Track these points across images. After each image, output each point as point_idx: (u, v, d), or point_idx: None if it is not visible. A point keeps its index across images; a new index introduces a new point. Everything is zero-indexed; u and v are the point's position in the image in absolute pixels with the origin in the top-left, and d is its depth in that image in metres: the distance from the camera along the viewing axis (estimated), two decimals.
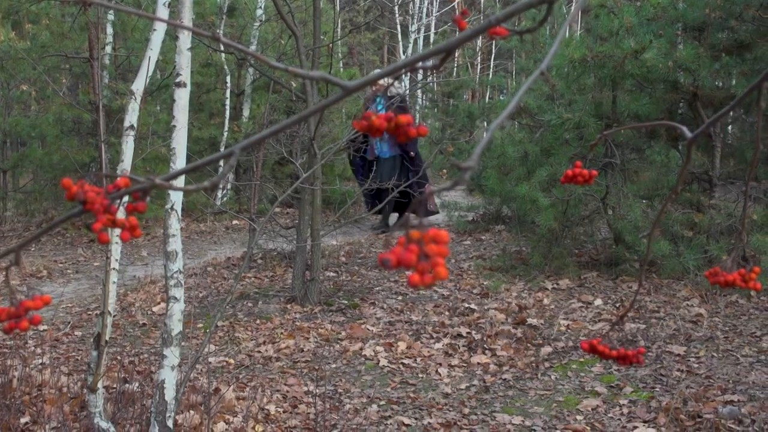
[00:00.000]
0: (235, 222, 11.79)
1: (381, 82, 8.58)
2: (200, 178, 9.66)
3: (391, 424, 4.37)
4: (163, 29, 3.42)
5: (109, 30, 12.16)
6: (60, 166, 13.03)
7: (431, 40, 22.76)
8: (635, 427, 4.08)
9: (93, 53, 11.14)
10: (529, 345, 5.51)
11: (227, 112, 12.32)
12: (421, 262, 0.62)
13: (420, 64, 0.83)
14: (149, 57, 3.33)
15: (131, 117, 3.30)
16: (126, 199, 0.84)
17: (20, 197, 14.41)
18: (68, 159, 12.60)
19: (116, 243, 3.35)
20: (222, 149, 11.95)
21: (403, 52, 21.66)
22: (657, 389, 4.57)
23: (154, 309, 6.91)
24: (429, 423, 4.34)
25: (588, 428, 4.13)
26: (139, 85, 3.30)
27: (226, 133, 12.16)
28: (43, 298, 0.89)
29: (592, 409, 4.39)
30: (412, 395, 4.78)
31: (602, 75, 6.82)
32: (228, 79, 12.30)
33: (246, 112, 12.73)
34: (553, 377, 4.94)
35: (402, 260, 0.61)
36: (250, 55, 0.74)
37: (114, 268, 3.31)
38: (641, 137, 7.31)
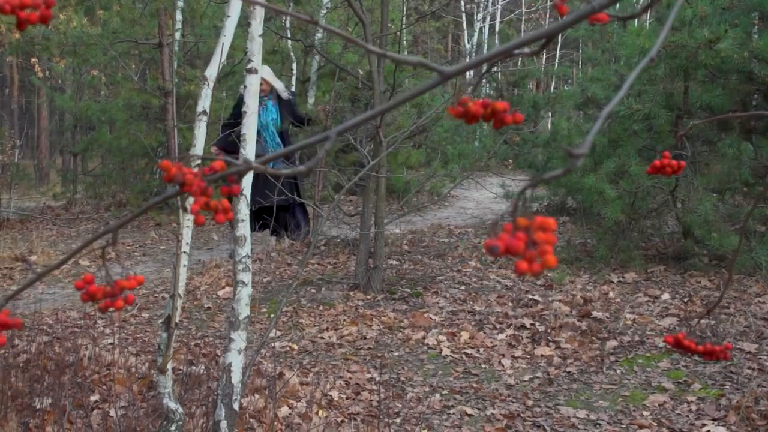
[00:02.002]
0: None
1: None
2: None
3: (453, 413, 4.36)
4: (236, 15, 3.44)
5: (179, 16, 12.31)
6: (128, 150, 13.26)
7: (496, 29, 22.59)
8: (704, 425, 4.01)
9: (163, 39, 11.34)
10: (594, 338, 5.45)
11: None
12: (528, 249, 0.60)
13: (517, 51, 0.82)
14: (222, 43, 3.35)
15: (204, 102, 3.34)
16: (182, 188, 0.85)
17: (89, 180, 14.71)
18: (137, 143, 12.81)
19: (187, 227, 3.40)
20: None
21: (468, 41, 21.53)
22: (727, 387, 4.48)
23: (219, 293, 7.00)
24: (492, 414, 4.33)
25: (655, 424, 4.07)
26: (212, 71, 3.33)
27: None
28: (137, 278, 0.90)
29: (659, 405, 4.32)
30: (474, 385, 4.76)
31: (674, 65, 6.69)
32: (294, 66, 12.37)
33: (311, 100, 12.78)
34: (618, 371, 4.88)
35: (510, 247, 0.60)
36: (354, 43, 0.74)
37: (185, 252, 3.36)
38: (712, 129, 7.16)
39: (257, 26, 3.61)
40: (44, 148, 25.79)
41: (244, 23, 3.97)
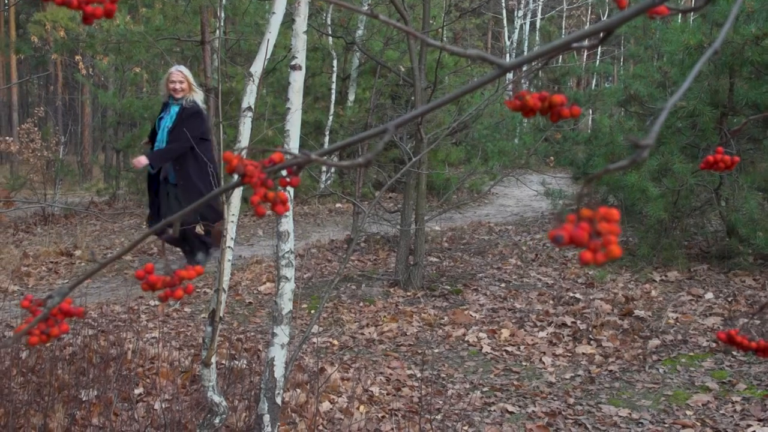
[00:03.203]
0: (338, 205, 11.92)
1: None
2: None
3: (494, 410, 4.35)
4: (281, 12, 3.46)
5: (221, 14, 12.40)
6: None
7: (537, 26, 22.45)
8: (749, 426, 3.96)
9: (205, 36, 11.43)
10: (636, 337, 5.40)
11: (333, 96, 12.44)
12: (592, 239, 0.61)
13: (576, 44, 0.82)
14: (267, 39, 3.38)
15: (249, 98, 3.36)
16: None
17: (131, 176, 14.87)
18: None
19: (231, 222, 3.43)
20: (327, 133, 12.09)
21: (508, 38, 21.42)
22: None
23: (260, 288, 7.05)
24: (533, 411, 4.31)
25: (698, 424, 4.03)
26: (257, 67, 3.36)
27: (331, 117, 12.28)
28: (196, 269, 0.91)
29: (703, 405, 4.27)
30: (515, 383, 4.75)
31: (719, 62, 6.60)
32: (334, 63, 12.40)
33: (351, 97, 12.83)
34: (661, 370, 4.84)
35: (574, 238, 0.60)
36: (414, 36, 0.74)
37: (229, 247, 3.39)
38: (758, 126, 7.06)
39: (301, 23, 3.63)
40: (87, 144, 26.14)
41: (287, 20, 3.99)
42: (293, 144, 3.62)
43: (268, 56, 3.41)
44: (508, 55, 20.67)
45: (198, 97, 6.86)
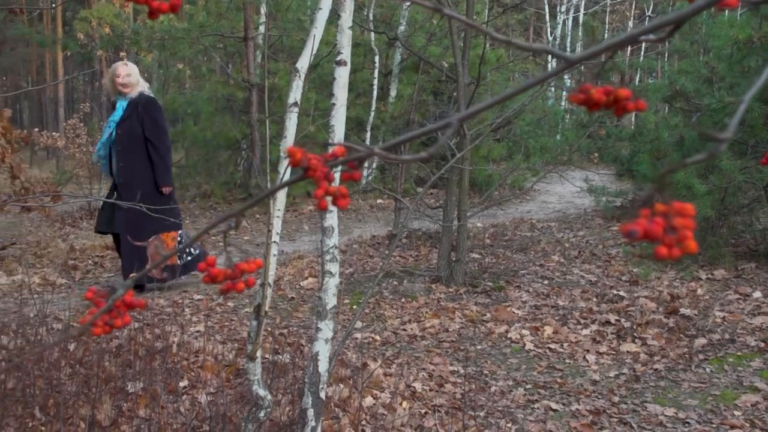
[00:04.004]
0: (379, 201, 11.93)
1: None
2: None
3: (537, 408, 4.33)
4: (328, 8, 3.47)
5: (263, 10, 12.47)
6: (213, 142, 13.49)
7: (580, 21, 22.26)
8: None
9: (248, 33, 11.50)
10: (681, 336, 5.34)
11: (374, 92, 12.44)
12: (667, 235, 0.60)
13: (643, 37, 0.81)
14: (314, 35, 3.39)
15: (295, 94, 3.37)
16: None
17: (174, 171, 14.98)
18: (221, 135, 13.02)
19: (277, 217, 3.44)
20: (368, 129, 12.10)
21: (550, 34, 21.28)
22: None
23: (303, 283, 7.08)
24: (577, 409, 4.28)
25: (747, 425, 3.97)
26: (303, 63, 3.37)
27: (372, 113, 12.29)
28: (256, 262, 0.92)
29: (752, 406, 4.21)
30: (559, 380, 4.72)
31: None
32: (376, 59, 12.41)
33: (393, 93, 12.83)
34: (708, 370, 4.77)
35: (649, 232, 0.60)
36: (479, 30, 0.74)
37: (275, 242, 3.40)
38: None
39: (347, 18, 3.63)
40: None
41: (330, 16, 4.00)
42: (338, 140, 3.63)
43: (314, 52, 3.42)
44: None
45: (145, 90, 6.57)
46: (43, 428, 3.76)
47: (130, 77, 6.43)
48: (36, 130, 16.75)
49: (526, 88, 0.82)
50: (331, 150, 0.85)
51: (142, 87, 6.54)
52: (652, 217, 0.61)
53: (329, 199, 0.84)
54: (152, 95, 6.70)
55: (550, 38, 21.14)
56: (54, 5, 21.22)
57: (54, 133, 17.44)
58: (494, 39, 0.73)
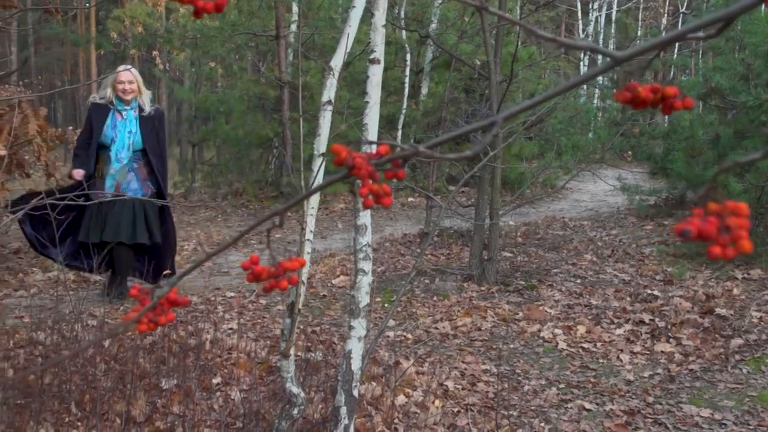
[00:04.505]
0: (410, 199, 11.92)
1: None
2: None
3: (571, 407, 4.30)
4: (362, 6, 3.47)
5: (295, 9, 12.51)
6: (245, 141, 13.55)
7: (613, 18, 22.09)
8: None
9: (279, 31, 11.54)
10: (717, 336, 5.29)
11: (406, 90, 12.43)
12: (721, 234, 0.59)
13: (691, 35, 0.80)
14: (348, 33, 3.39)
15: (329, 92, 3.38)
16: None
17: (207, 169, 15.10)
18: (253, 134, 13.08)
19: (311, 215, 3.45)
20: (400, 127, 12.10)
21: (582, 31, 21.13)
22: None
23: (334, 281, 7.09)
24: (611, 409, 4.25)
25: None
26: (337, 61, 3.38)
27: (404, 111, 12.28)
28: (299, 260, 0.92)
29: None
30: (592, 380, 4.69)
31: None
32: (408, 57, 12.40)
33: (424, 90, 12.81)
34: (744, 371, 4.72)
35: (702, 232, 0.59)
36: (531, 32, 0.74)
37: (308, 239, 3.41)
38: None
39: (380, 17, 3.63)
40: None
41: (363, 14, 4.00)
42: (371, 138, 3.63)
43: (348, 50, 3.42)
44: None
45: (147, 98, 6.40)
46: (79, 423, 3.80)
47: (133, 84, 6.27)
48: (70, 128, 16.92)
49: (572, 87, 0.82)
50: (374, 148, 0.85)
51: (146, 95, 6.39)
52: (706, 217, 0.60)
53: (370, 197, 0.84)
54: (159, 106, 6.62)
55: (582, 35, 21.00)
56: (89, 5, 21.43)
57: None
58: (540, 38, 0.73)
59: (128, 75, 6.25)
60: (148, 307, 0.90)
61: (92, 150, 6.26)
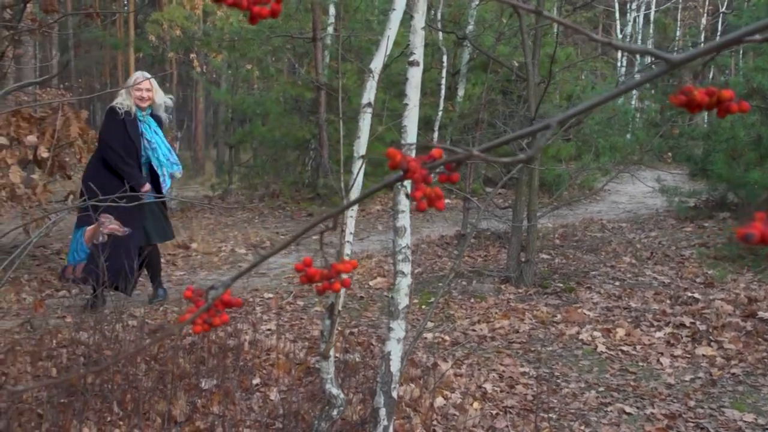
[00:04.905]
0: (447, 201, 11.90)
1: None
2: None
3: (611, 411, 4.27)
4: (401, 8, 3.48)
5: (332, 11, 12.54)
6: (281, 142, 13.61)
7: (651, 19, 21.88)
8: None
9: (316, 33, 11.59)
10: (760, 339, 5.22)
11: (442, 92, 12.41)
12: None
13: (748, 38, 0.79)
14: (388, 36, 3.40)
15: (369, 94, 3.40)
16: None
17: (243, 171, 15.18)
18: (289, 135, 13.14)
19: (351, 216, 3.46)
20: (436, 129, 12.09)
21: (620, 31, 20.97)
22: None
23: (371, 283, 7.10)
24: (651, 413, 4.22)
25: None
26: (377, 63, 3.39)
27: (440, 113, 12.26)
28: (351, 262, 0.93)
29: None
30: (632, 383, 4.65)
31: None
32: (444, 58, 12.38)
33: (461, 92, 12.78)
34: None
35: (766, 236, 0.59)
36: (584, 34, 0.74)
37: (348, 241, 3.42)
38: None
39: (420, 19, 3.64)
40: (200, 139, 26.87)
41: (410, 16, 4.00)
42: (410, 140, 3.64)
43: (388, 52, 3.43)
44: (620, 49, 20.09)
45: (161, 101, 6.33)
46: (121, 423, 3.84)
47: (150, 92, 6.20)
48: None
49: (627, 90, 0.81)
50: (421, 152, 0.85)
51: (159, 99, 6.31)
52: None
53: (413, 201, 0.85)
54: (167, 116, 6.60)
55: (619, 36, 20.83)
56: (129, 10, 21.66)
57: None
58: (594, 40, 0.72)
59: (148, 83, 6.19)
60: (203, 309, 0.92)
61: (140, 161, 6.26)
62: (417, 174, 0.82)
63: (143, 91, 6.16)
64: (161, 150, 6.30)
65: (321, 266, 0.93)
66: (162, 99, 6.35)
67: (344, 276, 0.92)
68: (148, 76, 6.35)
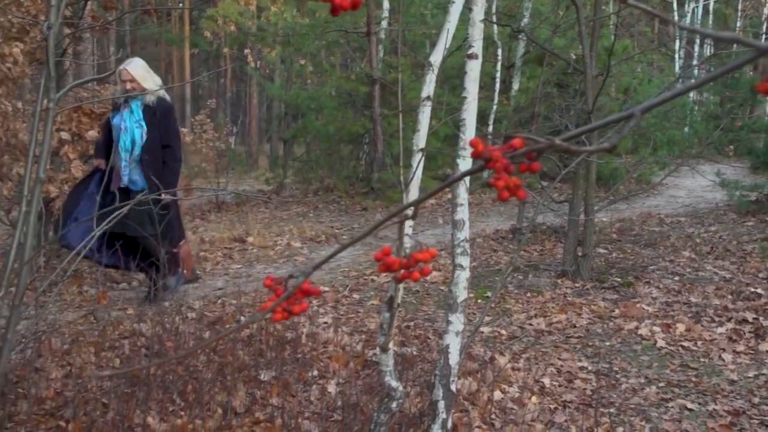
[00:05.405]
0: None
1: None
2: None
3: (672, 407, 4.22)
4: (461, 1, 3.47)
5: (386, 5, 12.55)
6: (335, 137, 13.67)
7: (710, 9, 21.49)
8: None
9: (371, 28, 11.60)
10: None
11: (497, 85, 12.35)
12: None
13: None
14: (447, 29, 3.39)
15: (428, 88, 3.39)
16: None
17: (297, 165, 15.28)
18: (343, 130, 13.19)
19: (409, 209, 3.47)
20: (490, 123, 12.04)
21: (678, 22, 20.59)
22: None
23: (427, 277, 7.10)
24: (714, 409, 4.15)
25: None
26: (437, 57, 3.38)
27: (495, 106, 12.20)
28: (430, 251, 0.93)
29: None
30: (694, 379, 4.59)
31: None
32: (499, 51, 12.32)
33: (515, 86, 12.70)
34: None
35: None
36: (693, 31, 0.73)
37: (407, 234, 3.43)
38: None
39: (479, 12, 3.62)
40: (254, 134, 27.12)
41: (468, 9, 3.99)
42: (469, 133, 3.63)
43: (448, 45, 3.43)
44: (678, 40, 19.90)
45: (153, 86, 6.08)
46: (182, 413, 3.90)
47: (134, 83, 5.98)
48: None
49: (711, 79, 0.81)
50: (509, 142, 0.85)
51: (152, 84, 6.10)
52: None
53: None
54: (167, 98, 6.30)
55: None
56: (185, 6, 21.91)
57: (182, 129, 18.05)
58: (683, 28, 0.70)
59: (126, 74, 5.98)
60: (284, 297, 0.93)
61: (107, 142, 6.14)
62: (499, 163, 0.82)
63: (126, 83, 5.99)
64: (128, 136, 6.06)
65: (399, 256, 0.93)
66: (152, 84, 6.11)
67: (423, 265, 0.93)
68: (130, 64, 6.08)
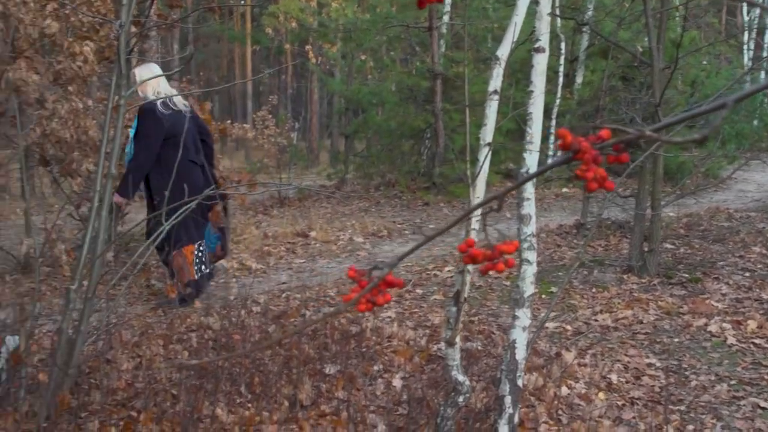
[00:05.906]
0: (564, 189, 11.73)
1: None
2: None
3: (744, 405, 4.13)
4: None
5: (447, 0, 12.51)
6: (396, 132, 13.68)
7: None
8: None
9: (432, 23, 11.59)
10: None
11: (560, 79, 12.24)
12: None
13: None
14: (515, 23, 3.37)
15: (496, 82, 3.38)
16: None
17: (358, 161, 15.33)
18: (405, 125, 13.19)
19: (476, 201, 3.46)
20: (553, 117, 11.93)
21: (747, 13, 20.18)
22: None
23: (490, 272, 7.07)
24: None
25: None
26: (504, 51, 3.36)
27: (558, 100, 12.09)
28: (514, 243, 0.93)
29: None
30: (766, 377, 4.49)
31: None
32: (562, 45, 12.20)
33: (579, 79, 12.57)
34: None
35: None
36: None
37: (474, 228, 3.42)
38: None
39: (546, 5, 3.60)
40: (315, 130, 27.29)
41: (535, 2, 3.96)
42: (536, 127, 3.61)
43: (515, 39, 3.41)
44: (746, 32, 19.46)
45: (149, 94, 5.91)
46: (249, 405, 3.95)
47: (143, 86, 5.87)
48: (228, 122, 17.57)
49: None
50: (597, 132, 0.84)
51: (150, 94, 5.92)
52: None
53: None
54: (150, 99, 5.89)
55: (746, 18, 20.06)
56: (247, 3, 22.14)
57: (244, 125, 18.25)
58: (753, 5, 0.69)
59: (133, 77, 5.76)
60: (368, 288, 0.94)
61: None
62: (588, 154, 0.81)
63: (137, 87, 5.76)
64: (130, 143, 5.95)
65: (484, 247, 0.93)
66: (152, 91, 5.95)
67: (508, 257, 0.93)
68: (137, 68, 5.95)
